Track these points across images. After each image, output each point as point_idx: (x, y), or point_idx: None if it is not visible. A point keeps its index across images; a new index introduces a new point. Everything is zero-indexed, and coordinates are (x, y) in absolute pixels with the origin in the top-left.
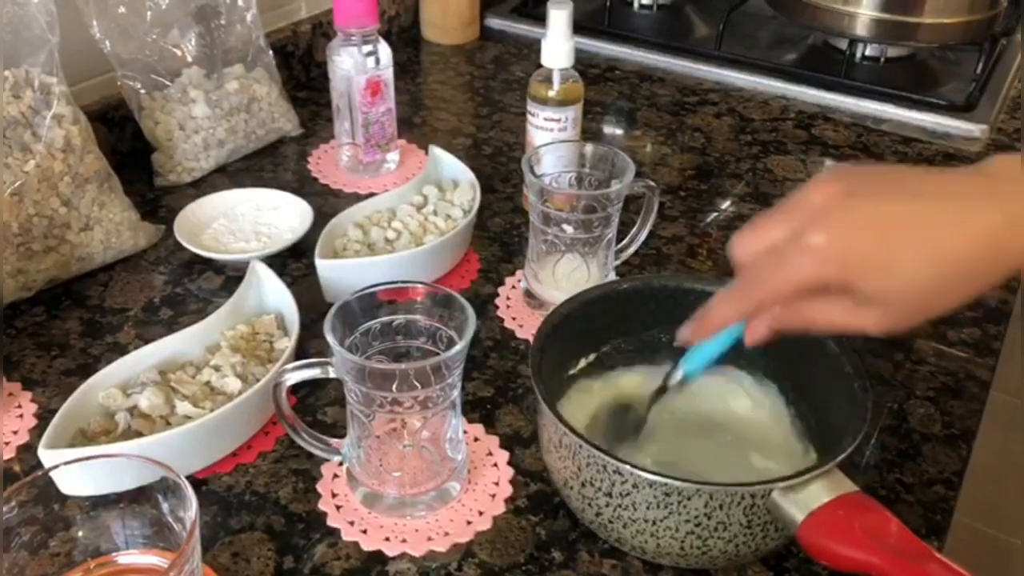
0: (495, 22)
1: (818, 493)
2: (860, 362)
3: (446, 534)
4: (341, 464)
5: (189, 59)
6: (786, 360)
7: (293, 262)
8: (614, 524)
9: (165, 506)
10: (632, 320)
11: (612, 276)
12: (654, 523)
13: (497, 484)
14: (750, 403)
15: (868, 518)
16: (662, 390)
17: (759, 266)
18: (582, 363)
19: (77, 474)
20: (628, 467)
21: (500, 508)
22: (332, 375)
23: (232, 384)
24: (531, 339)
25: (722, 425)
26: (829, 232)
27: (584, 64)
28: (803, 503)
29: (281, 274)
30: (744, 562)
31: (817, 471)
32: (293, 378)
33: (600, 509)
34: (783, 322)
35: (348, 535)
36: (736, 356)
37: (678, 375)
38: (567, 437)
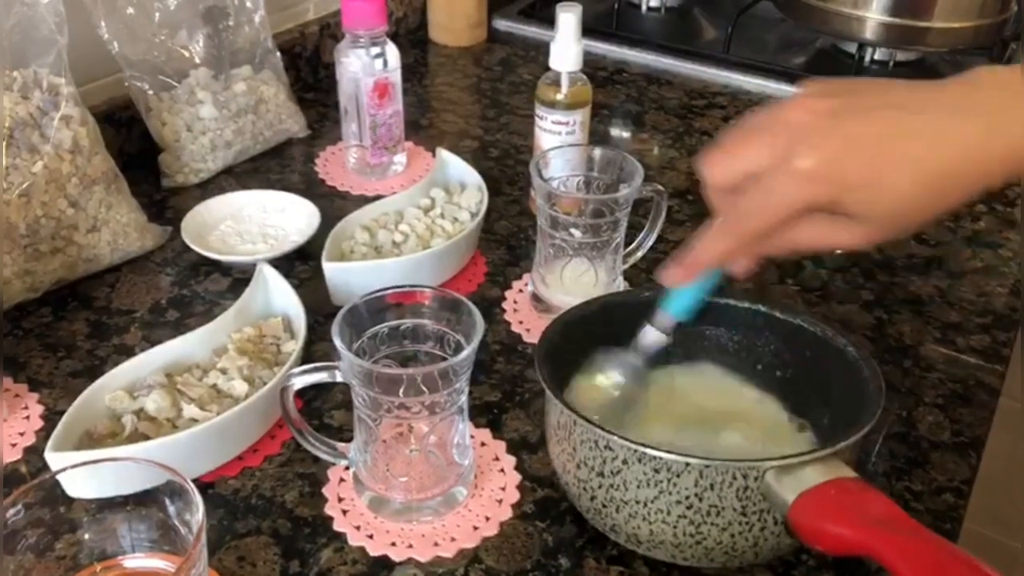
0: (503, 24)
1: (813, 476)
2: (877, 367)
3: (452, 539)
4: (347, 468)
5: (197, 60)
6: (800, 366)
7: (300, 264)
8: (607, 508)
9: (171, 509)
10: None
11: (620, 280)
12: (645, 504)
13: (504, 489)
14: (757, 404)
15: (860, 498)
16: (651, 345)
17: (745, 198)
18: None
19: (84, 477)
20: (617, 439)
21: (507, 514)
22: (339, 379)
23: (239, 387)
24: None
25: (728, 422)
26: (818, 154)
27: (592, 67)
28: (796, 485)
29: (288, 276)
30: (745, 562)
31: (814, 454)
32: (300, 382)
33: (594, 492)
34: (767, 249)
35: (354, 540)
36: (752, 362)
37: (666, 321)
38: (564, 416)
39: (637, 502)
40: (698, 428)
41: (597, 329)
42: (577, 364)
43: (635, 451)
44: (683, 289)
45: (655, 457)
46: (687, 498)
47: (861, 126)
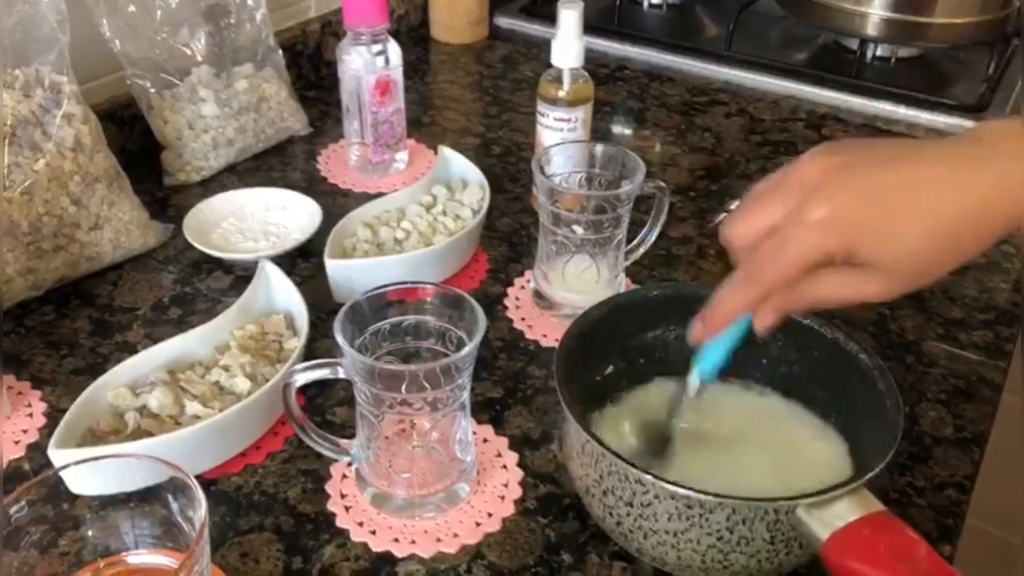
0: (504, 21)
1: (844, 511)
2: (892, 379)
3: (455, 535)
4: (350, 465)
5: (199, 58)
6: (817, 377)
7: (302, 262)
8: (634, 534)
9: (174, 506)
10: (662, 327)
11: (622, 277)
12: (675, 535)
13: (506, 486)
14: (784, 420)
15: (895, 539)
16: (678, 401)
17: (762, 249)
18: (610, 370)
19: (87, 474)
20: (650, 477)
21: (509, 510)
22: (342, 376)
23: (241, 384)
24: (540, 340)
25: (755, 441)
26: (830, 204)
27: (594, 64)
28: (828, 521)
29: (290, 274)
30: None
31: (843, 489)
32: (302, 378)
33: (621, 518)
34: (789, 304)
35: (357, 536)
36: (770, 375)
37: (693, 383)
38: (589, 444)
39: (667, 532)
40: (726, 447)
41: (612, 333)
42: (598, 372)
43: (667, 489)
44: (710, 347)
45: (687, 496)
46: (717, 531)
47: (872, 177)
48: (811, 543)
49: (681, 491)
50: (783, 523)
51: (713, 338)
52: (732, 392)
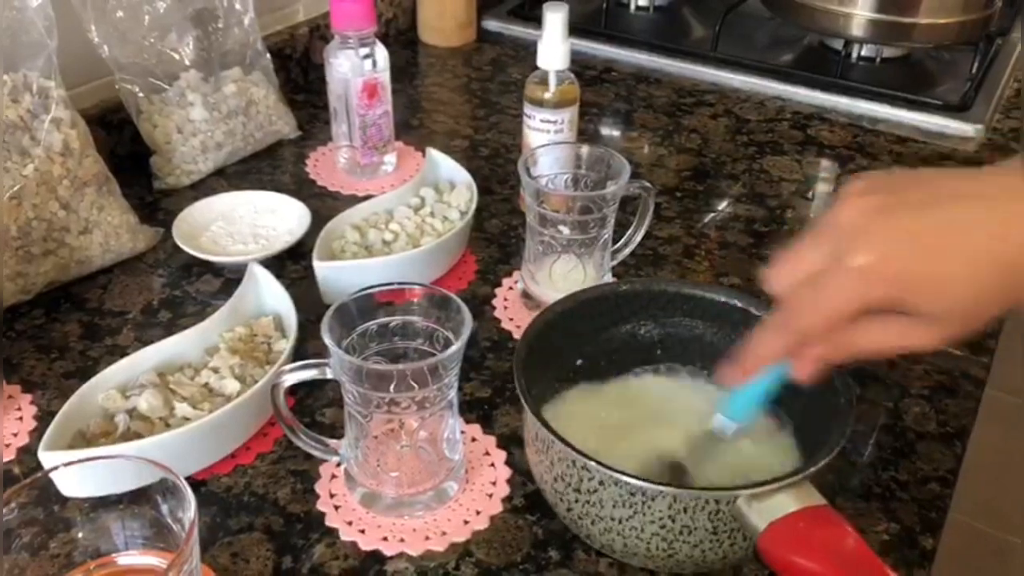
0: (492, 24)
1: (784, 503)
2: (847, 379)
3: (444, 533)
4: (339, 465)
5: (187, 62)
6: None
7: (291, 264)
8: (583, 520)
9: (164, 507)
10: (628, 322)
11: (608, 277)
12: (620, 522)
13: (494, 484)
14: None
15: (828, 532)
16: (708, 442)
17: (800, 294)
18: (578, 363)
19: (77, 476)
20: (594, 463)
21: (497, 508)
22: (330, 376)
23: (231, 386)
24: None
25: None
26: (872, 250)
27: (581, 65)
28: (767, 512)
29: (279, 276)
30: (714, 569)
31: (784, 481)
32: (291, 379)
33: (571, 504)
34: (832, 353)
35: (346, 535)
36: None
37: (729, 426)
38: (542, 431)
39: (612, 519)
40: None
41: (578, 327)
42: (561, 367)
43: (610, 476)
44: (742, 391)
45: (629, 483)
46: (660, 519)
47: (916, 220)
48: (751, 534)
49: (623, 478)
50: (724, 514)
51: (744, 383)
52: (682, 375)
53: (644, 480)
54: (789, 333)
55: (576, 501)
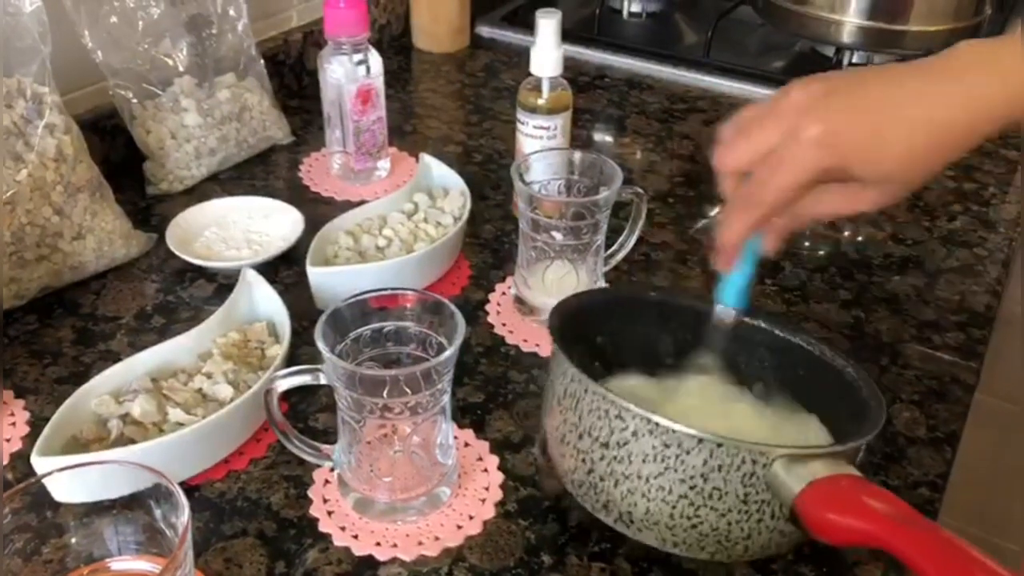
0: (485, 30)
1: (820, 470)
2: (875, 386)
3: (436, 539)
4: (332, 470)
5: (181, 68)
6: (802, 388)
7: (284, 269)
8: (605, 482)
9: (158, 512)
10: (638, 329)
11: (601, 282)
12: (647, 480)
13: (487, 489)
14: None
15: (871, 492)
16: (716, 329)
17: (761, 171)
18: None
19: (70, 481)
20: (633, 407)
21: (490, 513)
22: (323, 381)
23: (224, 391)
24: (521, 344)
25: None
26: (823, 124)
27: (574, 72)
28: (804, 476)
29: (272, 282)
30: (734, 555)
31: (825, 449)
32: (284, 384)
33: (593, 464)
34: (792, 224)
35: (339, 540)
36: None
37: (728, 313)
38: (573, 384)
39: (639, 477)
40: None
41: (603, 322)
42: (598, 354)
43: (648, 421)
44: (731, 278)
45: (668, 430)
46: (692, 477)
47: (858, 97)
48: (785, 498)
49: (663, 422)
50: (759, 477)
51: (731, 266)
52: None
53: (684, 426)
54: (756, 209)
55: (602, 459)
